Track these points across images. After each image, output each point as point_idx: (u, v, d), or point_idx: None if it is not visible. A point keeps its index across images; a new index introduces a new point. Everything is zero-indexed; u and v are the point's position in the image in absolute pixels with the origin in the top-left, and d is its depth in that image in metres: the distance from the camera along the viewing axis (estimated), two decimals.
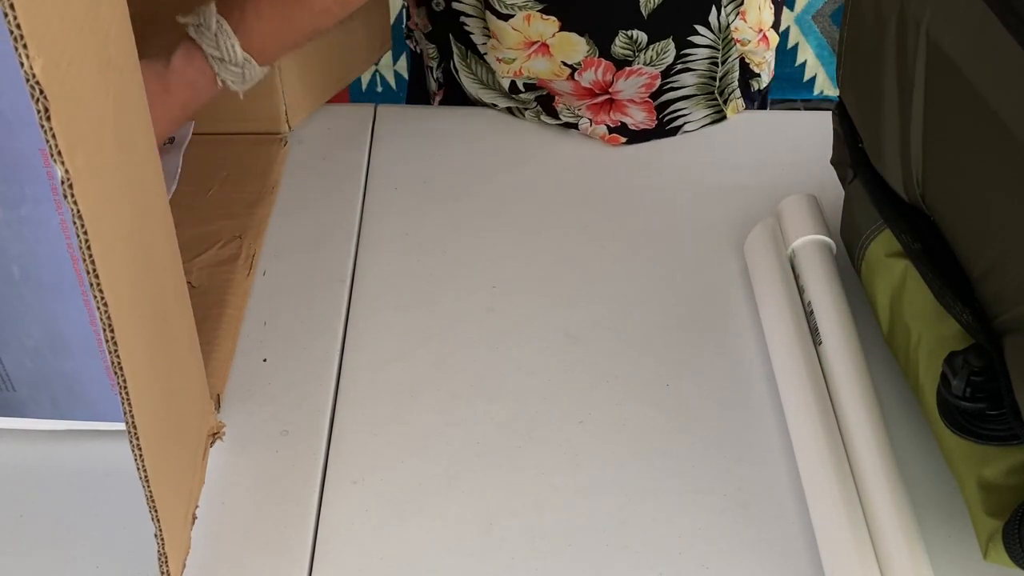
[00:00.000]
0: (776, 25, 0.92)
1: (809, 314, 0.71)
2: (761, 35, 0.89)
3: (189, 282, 0.60)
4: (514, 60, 0.85)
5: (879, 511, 0.59)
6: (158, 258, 0.54)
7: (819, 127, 0.83)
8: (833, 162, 0.75)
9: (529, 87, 0.88)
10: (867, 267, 0.69)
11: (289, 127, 0.88)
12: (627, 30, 0.82)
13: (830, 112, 0.75)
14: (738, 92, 0.90)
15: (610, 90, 0.86)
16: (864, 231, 0.69)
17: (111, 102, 0.45)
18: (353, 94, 0.93)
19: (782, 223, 0.76)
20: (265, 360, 0.71)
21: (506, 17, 0.82)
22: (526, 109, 0.89)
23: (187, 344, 0.60)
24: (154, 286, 0.53)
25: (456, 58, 0.89)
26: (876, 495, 0.60)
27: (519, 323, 0.73)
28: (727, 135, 0.90)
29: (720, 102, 0.89)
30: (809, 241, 0.74)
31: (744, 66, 0.90)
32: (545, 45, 0.83)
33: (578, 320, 0.73)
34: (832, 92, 0.81)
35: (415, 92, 1.05)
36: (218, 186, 0.82)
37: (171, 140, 0.82)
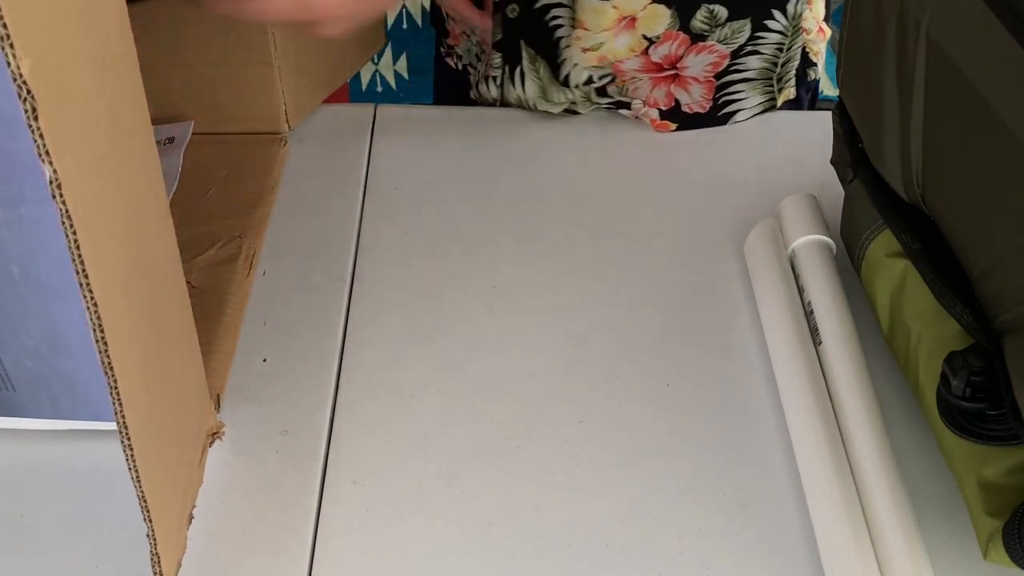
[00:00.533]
0: (827, 18, 0.95)
1: (809, 314, 0.70)
2: (818, 26, 0.92)
3: (189, 282, 0.60)
4: (602, 44, 0.86)
5: (879, 511, 0.59)
6: (156, 258, 0.54)
7: (819, 127, 0.83)
8: (833, 162, 0.75)
9: (598, 79, 0.89)
10: (867, 267, 0.69)
11: (289, 127, 0.88)
12: (710, 4, 0.85)
13: (830, 112, 0.75)
14: (792, 80, 0.92)
15: (678, 65, 0.88)
16: (864, 231, 0.69)
17: (106, 102, 0.45)
18: (353, 94, 0.93)
19: (782, 223, 0.76)
20: (265, 360, 0.71)
21: None
22: (588, 101, 0.90)
23: (186, 344, 0.60)
24: (151, 286, 0.53)
25: (525, 63, 0.89)
26: (876, 495, 0.60)
27: (519, 323, 0.73)
28: (727, 135, 0.90)
29: (775, 89, 0.92)
30: (809, 241, 0.74)
31: (804, 55, 0.92)
32: (633, 19, 0.84)
33: (578, 320, 0.73)
34: (832, 92, 0.82)
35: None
36: (218, 186, 0.82)
37: (170, 140, 0.82)
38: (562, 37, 0.87)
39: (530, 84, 0.90)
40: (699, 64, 0.88)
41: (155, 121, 0.51)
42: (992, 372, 0.55)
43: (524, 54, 0.89)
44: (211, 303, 0.72)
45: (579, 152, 0.88)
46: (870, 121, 0.66)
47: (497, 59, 0.91)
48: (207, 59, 0.81)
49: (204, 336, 0.66)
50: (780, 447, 0.65)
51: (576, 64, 0.88)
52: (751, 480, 0.64)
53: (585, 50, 0.87)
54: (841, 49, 0.70)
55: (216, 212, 0.79)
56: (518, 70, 0.90)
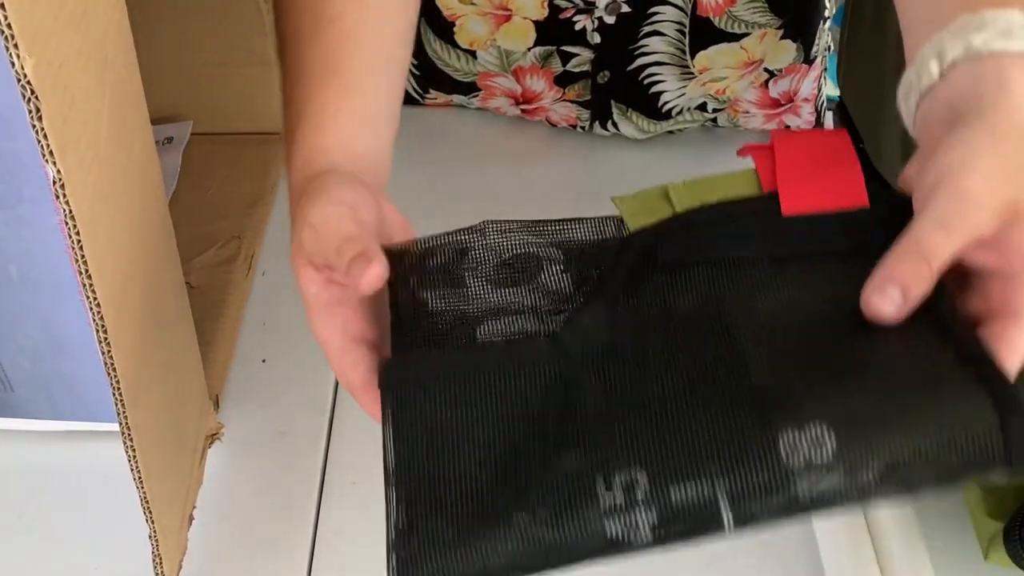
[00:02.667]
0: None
1: None
2: None
3: (188, 282, 0.60)
4: (723, 79, 0.83)
5: (879, 511, 0.59)
6: (156, 258, 0.54)
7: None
8: None
9: (711, 110, 0.86)
10: None
11: None
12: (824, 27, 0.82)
13: (830, 112, 0.74)
14: None
15: (794, 99, 0.85)
16: None
17: (107, 102, 0.45)
18: None
19: None
20: (264, 361, 0.70)
21: (739, 37, 0.79)
22: (689, 122, 0.88)
23: (185, 344, 0.60)
24: (151, 286, 0.53)
25: (616, 115, 0.86)
26: None
27: None
28: (727, 135, 0.90)
29: None
30: None
31: None
32: (761, 61, 0.81)
33: None
34: (832, 92, 0.81)
35: None
36: (217, 186, 0.82)
37: (169, 140, 0.82)
38: (662, 92, 0.84)
39: (624, 126, 0.87)
40: (809, 84, 0.85)
41: (154, 121, 0.51)
42: None
43: (615, 109, 0.86)
44: (211, 303, 0.72)
45: (580, 152, 0.88)
46: (870, 121, 0.66)
47: (585, 115, 0.87)
48: (207, 59, 0.81)
49: (204, 336, 0.66)
50: None
51: (683, 95, 0.84)
52: None
53: (704, 83, 0.83)
54: (841, 49, 0.70)
55: (216, 212, 0.79)
56: (609, 121, 0.87)
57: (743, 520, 0.36)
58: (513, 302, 0.45)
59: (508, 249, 0.46)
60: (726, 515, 0.36)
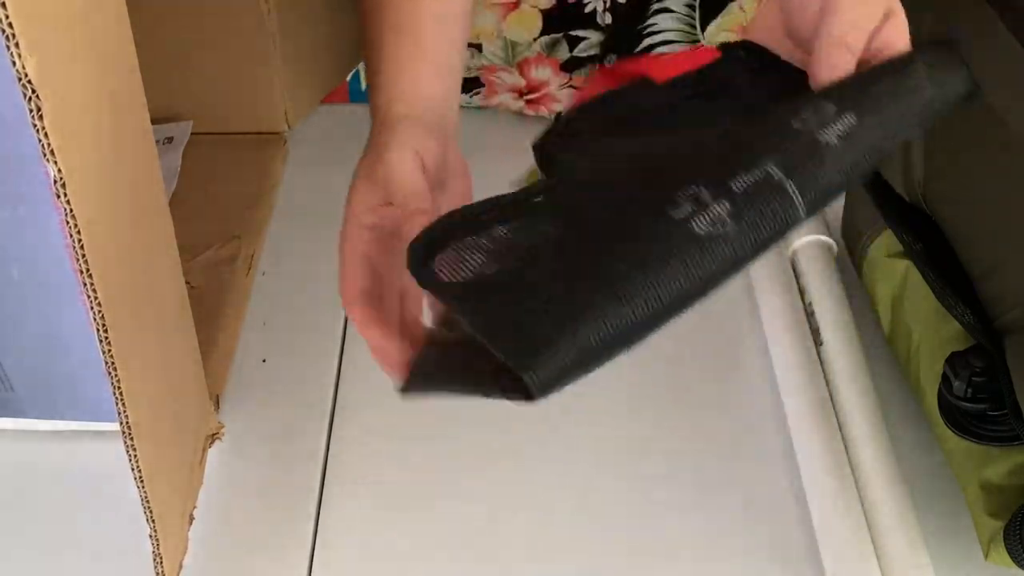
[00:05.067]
0: None
1: (810, 315, 0.70)
2: None
3: (188, 282, 0.60)
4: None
5: (880, 512, 0.59)
6: (156, 258, 0.54)
7: None
8: None
9: None
10: (868, 267, 0.69)
11: (289, 127, 0.88)
12: None
13: None
14: None
15: None
16: (865, 231, 0.69)
17: (107, 101, 0.45)
18: (353, 94, 0.93)
19: None
20: (265, 360, 0.70)
21: None
22: None
23: (185, 344, 0.60)
24: (151, 286, 0.53)
25: None
26: (877, 496, 0.59)
27: None
28: None
29: None
30: (810, 241, 0.74)
31: None
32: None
33: None
34: None
35: None
36: (218, 186, 0.82)
37: (169, 140, 0.82)
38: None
39: None
40: None
41: (154, 121, 0.51)
42: (993, 372, 0.55)
43: None
44: (211, 303, 0.72)
45: None
46: None
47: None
48: (207, 59, 0.81)
49: (204, 336, 0.66)
50: (781, 448, 0.65)
51: None
52: (752, 480, 0.63)
53: None
54: None
55: (216, 212, 0.79)
56: None
57: (804, 187, 0.37)
58: None
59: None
60: (789, 186, 0.37)
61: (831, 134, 0.39)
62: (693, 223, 0.36)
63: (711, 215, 0.36)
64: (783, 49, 0.47)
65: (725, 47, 0.49)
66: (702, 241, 0.36)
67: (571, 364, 0.36)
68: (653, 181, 0.39)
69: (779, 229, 0.37)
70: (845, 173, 0.38)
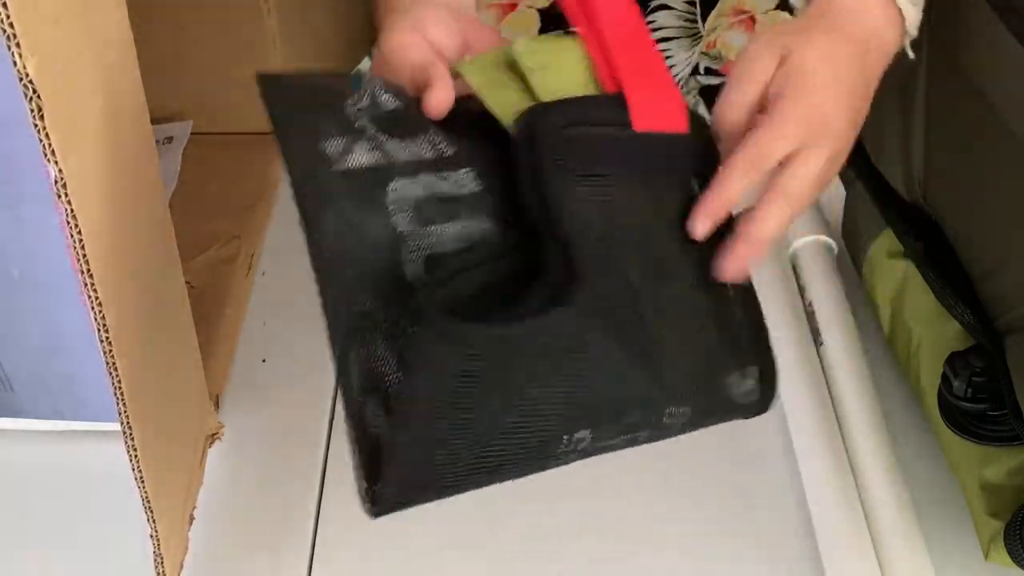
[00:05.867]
0: None
1: (810, 315, 0.70)
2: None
3: (188, 282, 0.60)
4: (715, 30, 0.84)
5: (880, 512, 0.59)
6: (156, 258, 0.54)
7: None
8: None
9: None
10: (868, 267, 0.69)
11: None
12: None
13: None
14: None
15: None
16: (865, 231, 0.69)
17: (107, 101, 0.45)
18: None
19: None
20: (265, 360, 0.70)
21: None
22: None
23: (185, 344, 0.60)
24: (151, 286, 0.53)
25: None
26: (877, 495, 0.59)
27: None
28: None
29: None
30: (810, 241, 0.74)
31: None
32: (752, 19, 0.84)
33: None
34: None
35: None
36: (217, 186, 0.82)
37: (169, 140, 0.82)
38: (672, 67, 0.84)
39: None
40: None
41: (154, 121, 0.51)
42: (993, 373, 0.55)
43: None
44: (211, 303, 0.72)
45: None
46: (871, 121, 0.66)
47: None
48: (207, 59, 0.81)
49: (204, 336, 0.66)
50: (781, 448, 0.65)
51: (688, 64, 0.85)
52: (752, 480, 0.63)
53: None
54: None
55: (216, 212, 0.79)
56: None
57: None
58: (413, 156, 0.45)
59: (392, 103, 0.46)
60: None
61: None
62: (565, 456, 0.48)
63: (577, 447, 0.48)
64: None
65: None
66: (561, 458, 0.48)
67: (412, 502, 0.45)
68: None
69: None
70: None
